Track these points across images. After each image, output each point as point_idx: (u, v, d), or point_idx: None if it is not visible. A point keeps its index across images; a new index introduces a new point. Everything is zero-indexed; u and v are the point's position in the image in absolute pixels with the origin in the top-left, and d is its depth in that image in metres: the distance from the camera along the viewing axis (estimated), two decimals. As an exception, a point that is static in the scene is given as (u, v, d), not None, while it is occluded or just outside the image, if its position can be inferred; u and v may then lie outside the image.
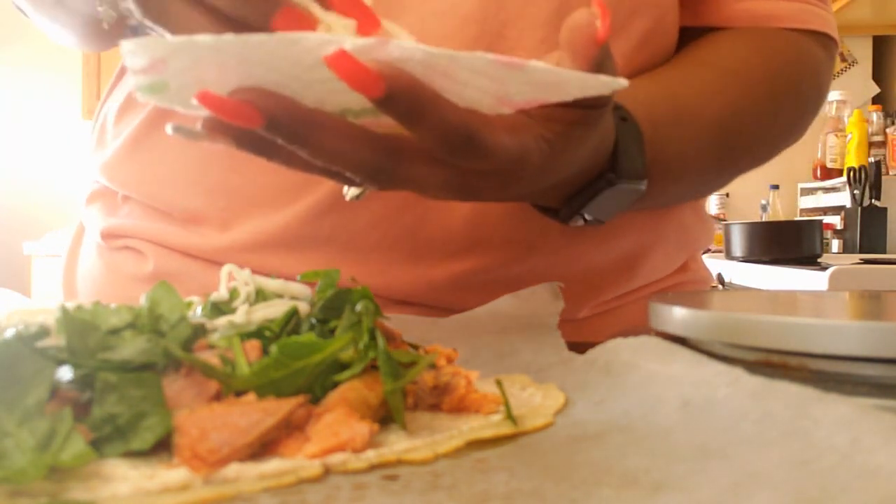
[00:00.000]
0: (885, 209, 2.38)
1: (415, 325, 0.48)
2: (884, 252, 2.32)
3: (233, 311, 0.33)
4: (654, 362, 0.32)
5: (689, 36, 0.63)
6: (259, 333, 0.32)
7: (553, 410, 0.32)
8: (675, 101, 0.55)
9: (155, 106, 0.54)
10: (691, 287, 0.71)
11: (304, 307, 0.33)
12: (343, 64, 0.30)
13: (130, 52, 0.29)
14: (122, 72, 0.68)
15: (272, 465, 0.25)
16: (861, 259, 1.91)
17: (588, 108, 0.39)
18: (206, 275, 0.59)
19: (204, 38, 0.28)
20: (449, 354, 0.34)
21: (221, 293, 0.34)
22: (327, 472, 0.25)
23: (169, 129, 0.36)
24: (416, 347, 0.35)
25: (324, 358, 0.29)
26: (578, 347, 0.41)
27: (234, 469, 0.24)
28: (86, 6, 0.52)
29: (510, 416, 0.30)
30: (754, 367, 0.36)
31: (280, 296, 0.34)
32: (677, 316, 0.41)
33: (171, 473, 0.24)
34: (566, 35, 0.36)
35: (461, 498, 0.23)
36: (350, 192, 0.43)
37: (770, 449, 0.24)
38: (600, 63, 0.36)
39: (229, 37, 0.28)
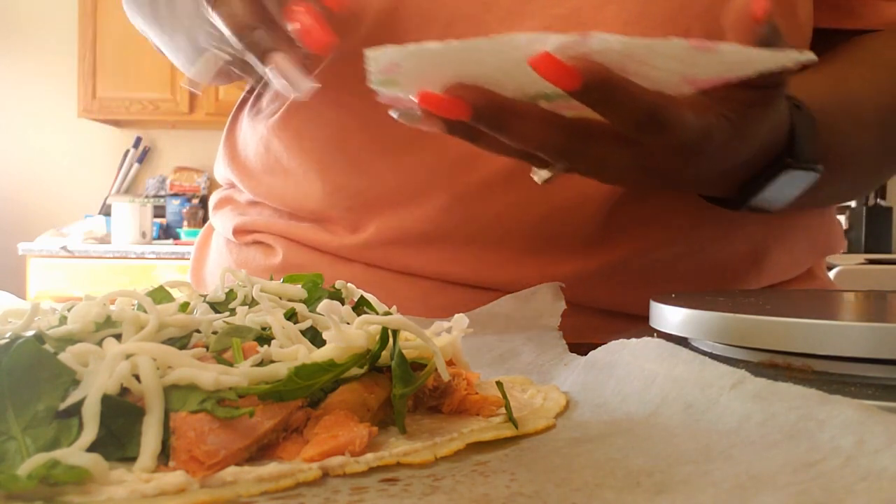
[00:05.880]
0: (890, 208, 2.37)
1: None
2: (889, 252, 2.31)
3: (231, 311, 0.33)
4: (657, 364, 0.32)
5: (835, 39, 0.63)
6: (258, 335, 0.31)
7: (554, 412, 0.32)
8: (840, 95, 0.56)
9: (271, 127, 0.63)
10: None
11: (302, 308, 0.33)
12: (546, 64, 0.34)
13: (374, 57, 0.35)
14: (238, 115, 0.72)
15: (270, 468, 0.25)
16: (866, 259, 1.91)
17: (765, 87, 0.41)
18: (335, 268, 0.61)
19: (433, 45, 0.34)
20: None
21: (218, 294, 0.34)
22: (326, 475, 0.25)
23: (394, 113, 0.41)
24: None
25: (334, 375, 0.28)
26: (580, 348, 0.41)
27: (231, 472, 0.24)
28: (193, 49, 0.55)
29: (511, 419, 0.29)
30: (758, 369, 0.36)
31: (279, 297, 0.34)
32: (679, 316, 0.41)
33: (168, 476, 0.24)
34: (731, 18, 0.38)
35: (461, 501, 0.23)
36: (540, 174, 0.46)
37: (774, 451, 0.24)
38: (769, 40, 0.37)
39: (455, 42, 0.34)
